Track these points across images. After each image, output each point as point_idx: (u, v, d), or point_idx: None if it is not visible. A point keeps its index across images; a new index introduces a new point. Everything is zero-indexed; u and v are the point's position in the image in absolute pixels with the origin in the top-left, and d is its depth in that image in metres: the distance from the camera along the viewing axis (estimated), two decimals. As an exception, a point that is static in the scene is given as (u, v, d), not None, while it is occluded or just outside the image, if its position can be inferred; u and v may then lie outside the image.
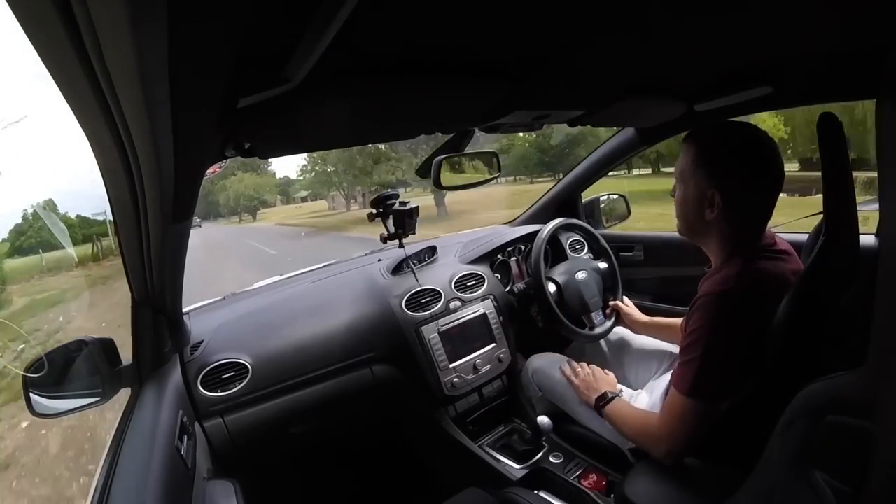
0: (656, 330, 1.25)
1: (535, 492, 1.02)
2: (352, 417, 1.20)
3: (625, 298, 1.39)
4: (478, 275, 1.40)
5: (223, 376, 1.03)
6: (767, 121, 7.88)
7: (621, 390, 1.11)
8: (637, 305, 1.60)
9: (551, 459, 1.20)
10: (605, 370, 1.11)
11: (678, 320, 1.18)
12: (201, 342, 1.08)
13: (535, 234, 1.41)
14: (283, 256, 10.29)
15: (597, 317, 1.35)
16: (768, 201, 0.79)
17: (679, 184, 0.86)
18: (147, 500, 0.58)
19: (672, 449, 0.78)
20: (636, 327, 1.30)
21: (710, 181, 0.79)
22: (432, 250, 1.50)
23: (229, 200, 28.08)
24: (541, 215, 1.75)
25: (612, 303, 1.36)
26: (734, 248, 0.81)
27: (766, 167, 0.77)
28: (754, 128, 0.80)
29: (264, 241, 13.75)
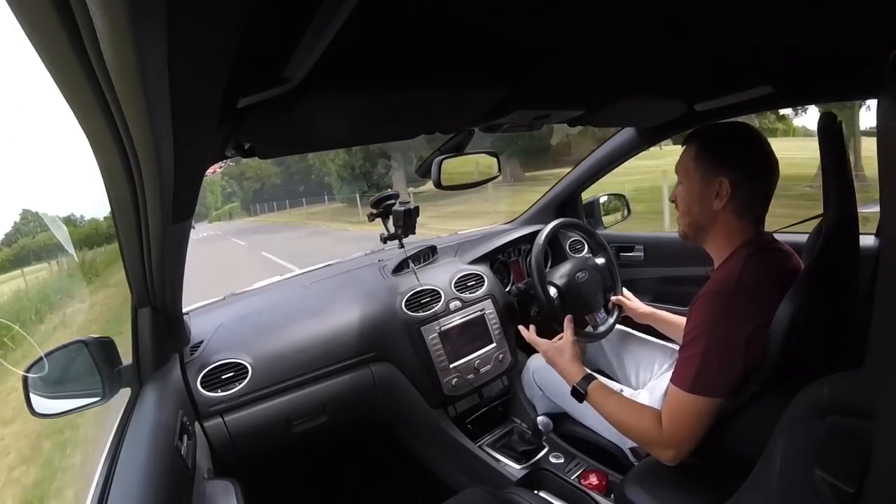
0: (658, 322, 1.23)
1: (535, 492, 1.02)
2: (352, 417, 1.20)
3: (625, 291, 1.38)
4: (478, 275, 1.40)
5: (223, 376, 1.03)
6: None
7: (621, 390, 1.11)
8: None
9: (551, 459, 1.20)
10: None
11: (681, 318, 1.18)
12: (201, 342, 1.08)
13: (535, 234, 1.41)
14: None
15: (598, 316, 1.35)
16: (768, 191, 0.81)
17: (682, 182, 0.86)
18: (147, 499, 0.58)
19: (680, 453, 0.78)
20: (639, 318, 1.29)
21: (717, 170, 0.80)
22: (432, 250, 1.50)
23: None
24: (541, 215, 1.75)
25: (613, 298, 1.35)
26: (737, 244, 0.81)
27: (764, 157, 0.79)
28: (746, 124, 0.83)
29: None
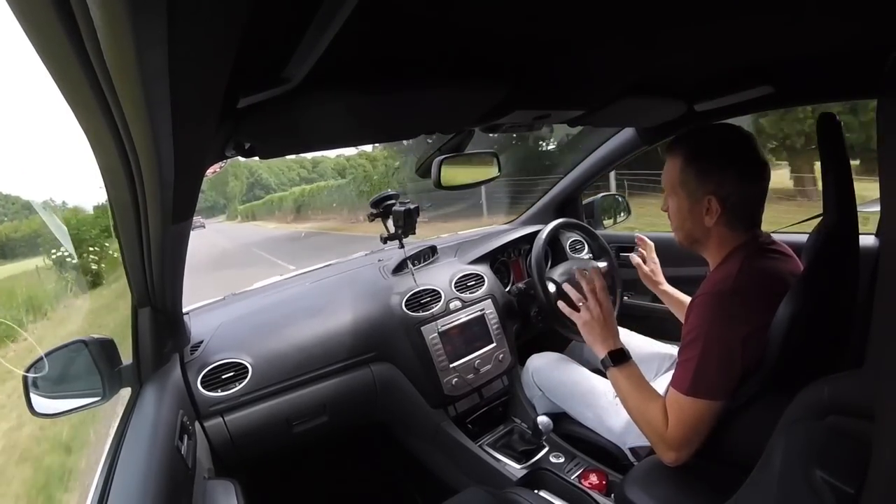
0: (674, 304, 1.17)
1: (535, 492, 1.02)
2: (352, 417, 1.21)
3: (651, 247, 1.22)
4: (478, 275, 1.40)
5: (223, 376, 1.03)
6: None
7: None
8: (637, 306, 1.60)
9: (551, 459, 1.20)
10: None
11: None
12: (201, 342, 1.08)
13: (535, 234, 1.41)
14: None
15: None
16: (761, 193, 0.79)
17: (670, 196, 0.84)
18: (147, 499, 0.58)
19: (681, 455, 0.77)
20: (656, 290, 1.20)
21: (705, 188, 0.78)
22: (432, 250, 1.50)
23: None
24: (541, 215, 1.76)
25: (632, 256, 1.23)
26: (732, 248, 0.81)
27: (753, 160, 0.77)
28: (731, 125, 0.81)
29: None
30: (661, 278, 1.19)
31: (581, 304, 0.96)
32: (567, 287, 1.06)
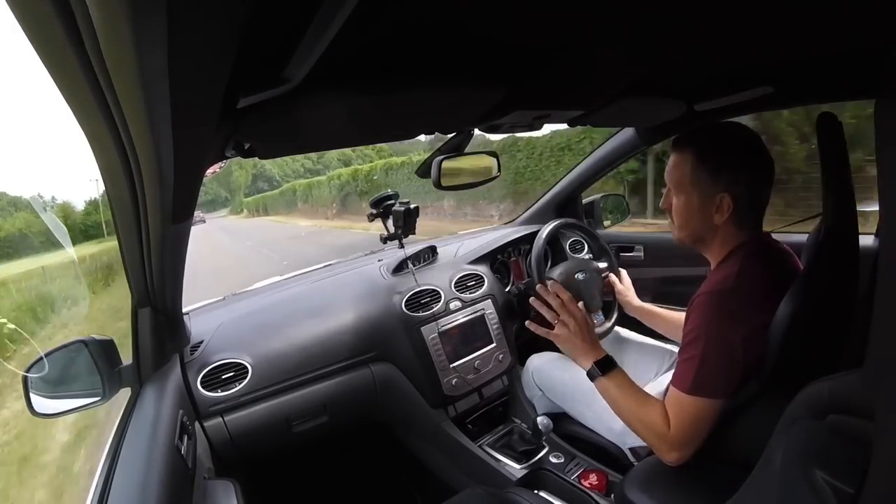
0: (648, 317, 1.22)
1: (535, 492, 1.02)
2: (352, 417, 1.21)
3: (624, 274, 1.33)
4: (478, 275, 1.40)
5: (223, 376, 1.03)
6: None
7: None
8: None
9: (551, 459, 1.20)
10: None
11: (672, 313, 1.18)
12: (201, 342, 1.08)
13: (534, 234, 1.41)
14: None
15: (597, 317, 1.35)
16: (769, 192, 0.80)
17: (678, 193, 0.84)
18: (147, 499, 0.58)
19: (683, 455, 0.77)
20: (630, 310, 1.27)
21: (717, 186, 0.78)
22: (432, 250, 1.50)
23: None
24: (541, 215, 1.76)
25: (610, 275, 1.31)
26: (734, 247, 0.81)
27: (764, 159, 0.78)
28: (739, 124, 0.82)
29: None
30: (631, 297, 1.27)
31: (555, 320, 0.96)
32: (536, 303, 1.01)
